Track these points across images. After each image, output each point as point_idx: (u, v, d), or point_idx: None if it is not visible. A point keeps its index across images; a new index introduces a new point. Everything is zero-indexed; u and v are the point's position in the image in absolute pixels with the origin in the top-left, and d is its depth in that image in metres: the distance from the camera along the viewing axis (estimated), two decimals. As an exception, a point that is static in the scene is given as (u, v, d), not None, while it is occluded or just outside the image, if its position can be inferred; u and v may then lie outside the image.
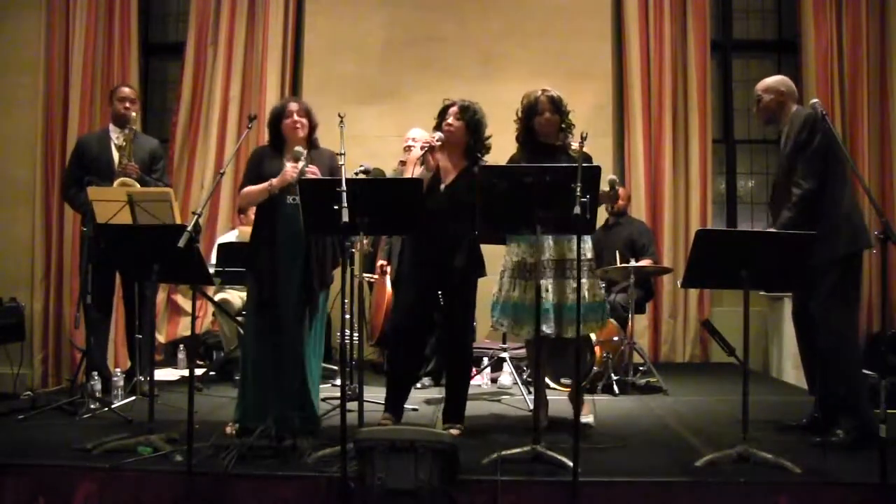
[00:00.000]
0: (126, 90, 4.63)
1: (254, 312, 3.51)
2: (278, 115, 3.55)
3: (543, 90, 3.60)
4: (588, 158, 3.51)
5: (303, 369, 3.48)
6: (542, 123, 3.57)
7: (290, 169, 3.37)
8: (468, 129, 3.53)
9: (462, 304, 3.57)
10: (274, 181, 3.40)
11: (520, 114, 3.63)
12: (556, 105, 3.57)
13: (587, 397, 3.87)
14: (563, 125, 3.61)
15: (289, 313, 3.44)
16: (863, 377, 3.51)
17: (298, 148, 3.44)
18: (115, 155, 4.46)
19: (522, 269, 3.52)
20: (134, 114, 4.56)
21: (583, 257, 3.50)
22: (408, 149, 4.81)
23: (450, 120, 3.53)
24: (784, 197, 3.46)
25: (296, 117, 3.52)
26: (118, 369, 4.33)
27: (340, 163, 3.10)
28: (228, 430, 3.46)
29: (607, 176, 3.48)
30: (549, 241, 3.48)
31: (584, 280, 3.45)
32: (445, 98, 3.62)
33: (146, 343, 4.33)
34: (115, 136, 4.52)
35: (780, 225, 3.38)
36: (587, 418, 3.68)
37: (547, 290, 3.46)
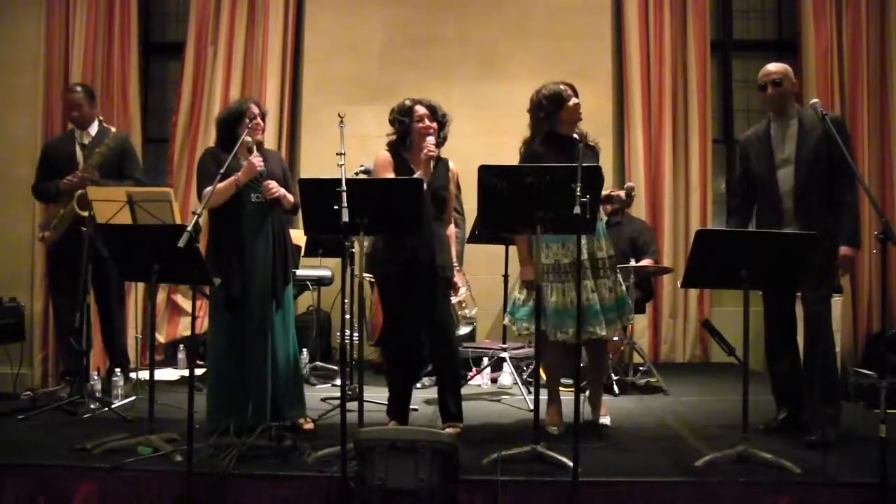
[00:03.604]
0: (77, 94, 4.51)
1: (221, 309, 3.51)
2: (239, 116, 3.54)
3: (556, 82, 3.63)
4: (596, 152, 3.66)
5: (285, 364, 3.53)
6: (572, 109, 3.58)
7: (256, 160, 3.40)
8: (439, 129, 3.60)
9: (447, 303, 3.64)
10: (240, 174, 3.40)
11: (543, 106, 3.59)
12: (575, 91, 3.63)
13: (603, 398, 3.91)
14: None
15: (256, 311, 3.46)
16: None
17: (248, 138, 3.46)
18: (79, 153, 4.43)
19: (557, 271, 3.53)
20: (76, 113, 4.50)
21: (607, 255, 3.56)
22: None
23: (426, 122, 3.56)
24: (819, 198, 3.44)
25: (258, 120, 3.56)
26: (118, 370, 4.33)
27: (340, 163, 3.10)
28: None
29: (626, 183, 3.55)
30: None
31: (608, 279, 3.56)
32: (409, 98, 3.63)
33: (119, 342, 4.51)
34: (78, 135, 4.49)
35: (851, 229, 3.42)
36: (605, 419, 3.75)
37: (593, 291, 3.51)
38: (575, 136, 3.60)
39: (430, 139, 3.50)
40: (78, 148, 4.45)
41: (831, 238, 3.39)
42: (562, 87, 3.60)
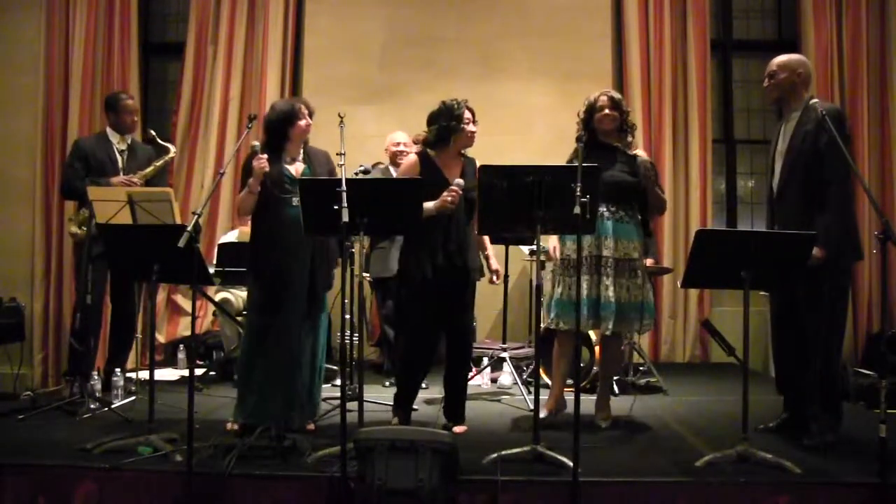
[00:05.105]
0: (132, 102, 4.74)
1: (258, 314, 3.51)
2: (290, 117, 3.52)
3: (604, 91, 3.73)
4: (651, 163, 3.70)
5: (311, 369, 3.54)
6: (601, 119, 3.65)
7: (258, 162, 3.38)
8: None
9: (470, 304, 3.68)
10: (250, 181, 3.41)
11: (581, 114, 3.72)
12: (616, 103, 3.68)
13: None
14: (625, 127, 3.71)
15: (295, 315, 3.45)
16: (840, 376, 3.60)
17: (255, 142, 3.48)
18: (120, 159, 4.57)
19: (567, 265, 3.63)
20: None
21: (613, 255, 3.58)
22: (397, 154, 4.82)
23: (472, 127, 3.60)
24: (797, 197, 3.37)
25: (309, 120, 3.55)
26: (118, 370, 4.33)
27: (340, 163, 3.10)
28: (229, 426, 3.47)
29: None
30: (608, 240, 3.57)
31: (639, 279, 3.63)
32: (454, 100, 3.58)
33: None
34: (116, 141, 4.61)
35: (823, 231, 3.21)
36: (605, 423, 3.76)
37: (608, 289, 3.55)
38: (618, 146, 3.67)
39: (458, 185, 3.44)
40: (117, 153, 4.57)
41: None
42: (601, 97, 3.67)
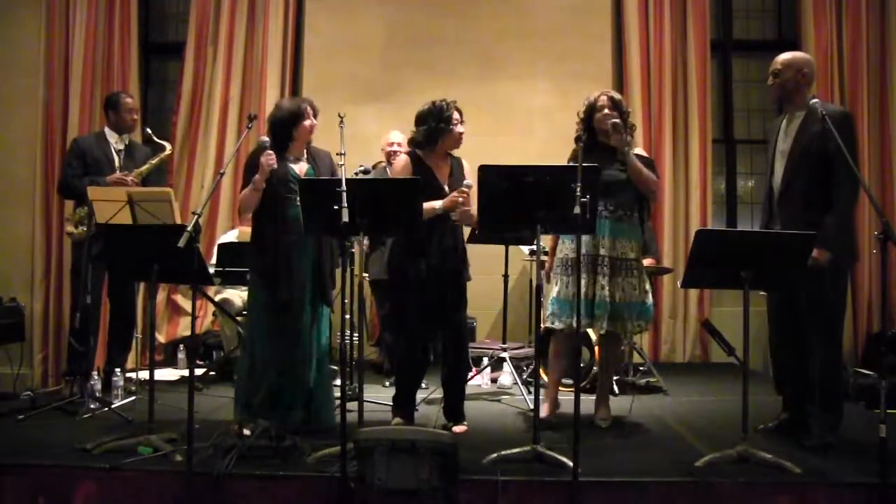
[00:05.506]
0: (132, 101, 4.76)
1: (259, 314, 3.51)
2: (296, 117, 3.52)
3: (604, 91, 3.71)
4: (650, 162, 3.70)
5: (322, 366, 3.56)
6: (599, 119, 3.63)
7: (265, 158, 3.37)
8: None
9: (463, 304, 3.67)
10: (256, 177, 3.39)
11: (581, 114, 3.70)
12: (616, 103, 3.66)
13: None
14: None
15: (296, 315, 3.46)
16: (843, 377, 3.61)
17: (264, 138, 3.46)
18: (116, 158, 4.58)
19: (566, 264, 3.64)
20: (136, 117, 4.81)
21: (609, 255, 3.58)
22: (391, 154, 4.82)
23: (460, 128, 3.59)
24: (801, 197, 3.36)
25: (314, 120, 3.55)
26: (118, 370, 4.33)
27: (340, 163, 3.10)
28: (244, 430, 3.45)
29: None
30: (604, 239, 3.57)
31: (635, 279, 3.63)
32: (443, 101, 3.59)
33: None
34: (114, 140, 4.63)
35: (827, 232, 3.22)
36: (603, 423, 3.75)
37: (603, 288, 3.55)
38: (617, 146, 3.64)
39: (467, 186, 3.46)
40: (115, 153, 4.59)
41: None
42: (601, 98, 3.66)
